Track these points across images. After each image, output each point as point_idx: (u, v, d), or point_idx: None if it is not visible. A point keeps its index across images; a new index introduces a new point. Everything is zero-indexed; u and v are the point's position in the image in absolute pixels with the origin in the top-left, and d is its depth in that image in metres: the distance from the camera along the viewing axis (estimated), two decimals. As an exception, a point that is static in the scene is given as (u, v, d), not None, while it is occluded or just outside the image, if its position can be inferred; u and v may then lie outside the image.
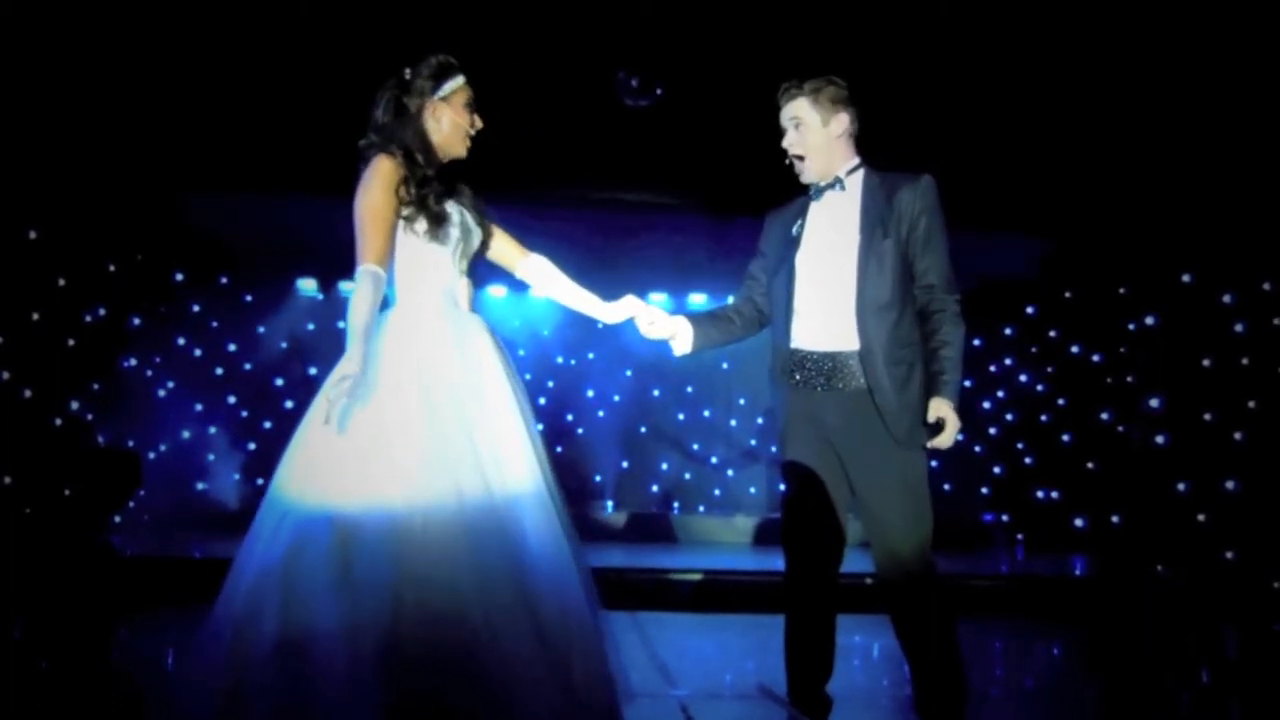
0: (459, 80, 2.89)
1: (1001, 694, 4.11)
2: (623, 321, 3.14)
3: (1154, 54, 6.20)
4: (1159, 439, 7.71)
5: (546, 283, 3.09)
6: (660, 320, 3.14)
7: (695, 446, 9.11)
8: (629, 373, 8.81)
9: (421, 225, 2.75)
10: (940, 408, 2.93)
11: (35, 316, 7.10)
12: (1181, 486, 7.48)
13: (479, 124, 2.92)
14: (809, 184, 3.16)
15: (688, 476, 9.09)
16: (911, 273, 3.04)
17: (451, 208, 2.83)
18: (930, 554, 3.00)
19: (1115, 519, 7.88)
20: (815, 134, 3.09)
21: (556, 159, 7.10)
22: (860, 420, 3.00)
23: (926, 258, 3.03)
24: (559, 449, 8.61)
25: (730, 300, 3.33)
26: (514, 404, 2.71)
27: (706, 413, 9.11)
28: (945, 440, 2.93)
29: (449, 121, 2.86)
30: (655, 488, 9.04)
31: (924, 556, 2.99)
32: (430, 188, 2.78)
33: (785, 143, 3.11)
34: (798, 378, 3.09)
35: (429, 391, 2.62)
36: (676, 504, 8.97)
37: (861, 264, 3.02)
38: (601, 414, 9.00)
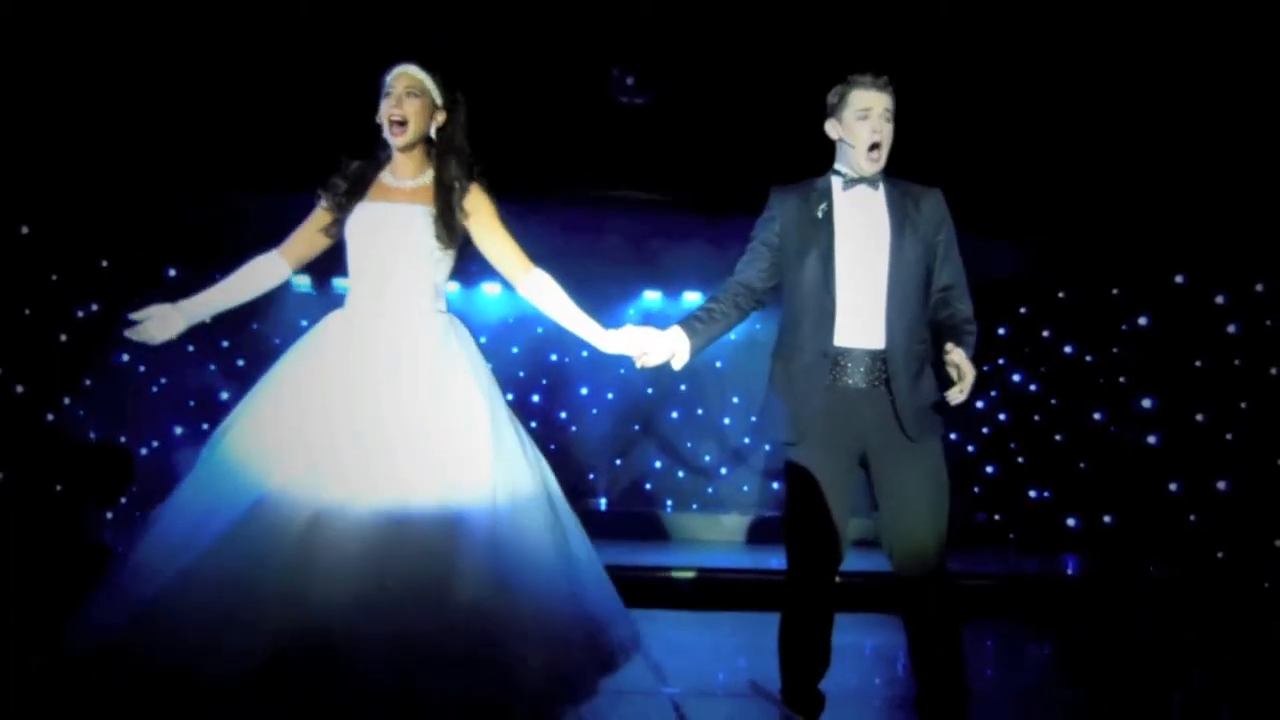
0: (385, 80, 3.01)
1: (994, 694, 4.12)
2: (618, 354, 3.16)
3: (1147, 54, 6.21)
4: (1151, 439, 7.72)
5: (545, 301, 3.09)
6: (655, 348, 3.12)
7: (688, 445, 9.09)
8: (622, 371, 8.79)
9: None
10: (960, 356, 2.87)
11: (27, 312, 7.07)
12: (1174, 486, 7.50)
13: (391, 110, 2.99)
14: (860, 175, 3.13)
15: (681, 475, 9.08)
16: (929, 276, 3.11)
17: (379, 208, 2.99)
18: (946, 552, 3.03)
19: (1107, 519, 7.89)
20: (891, 132, 3.13)
21: (551, 157, 7.09)
22: (891, 417, 3.04)
23: (949, 263, 3.14)
24: (552, 446, 8.58)
25: (728, 284, 3.25)
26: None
27: (700, 411, 9.10)
28: (963, 391, 2.87)
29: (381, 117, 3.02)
30: (648, 485, 9.03)
31: (943, 554, 3.03)
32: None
33: (874, 129, 3.08)
34: (835, 376, 3.07)
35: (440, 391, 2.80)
36: (669, 502, 8.96)
37: (893, 262, 3.06)
38: (595, 412, 8.98)
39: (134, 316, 2.95)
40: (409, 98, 2.96)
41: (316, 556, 2.51)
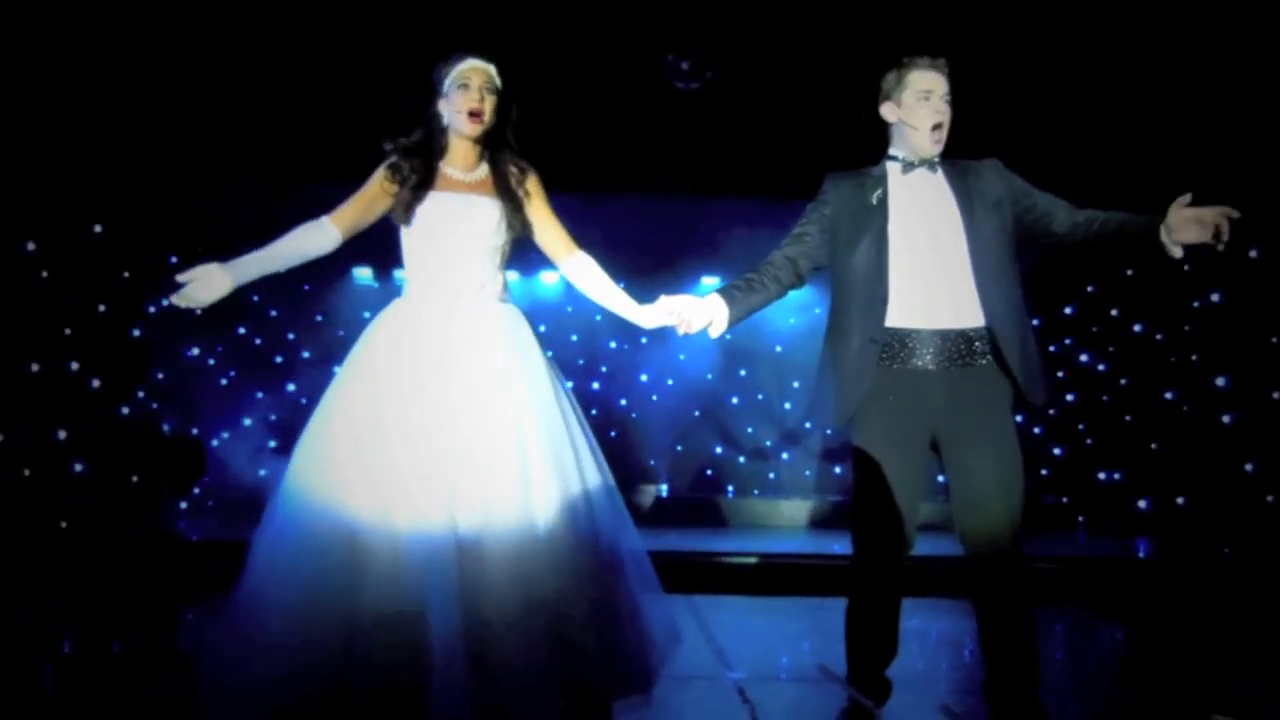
0: (452, 70, 3.05)
1: (1063, 678, 4.06)
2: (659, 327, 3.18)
3: (1216, 19, 6.04)
4: (1225, 418, 7.54)
5: (586, 282, 3.21)
6: (693, 316, 3.09)
7: (749, 430, 9.08)
8: (682, 356, 8.80)
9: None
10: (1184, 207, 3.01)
11: (102, 308, 7.29)
12: (1249, 467, 7.32)
13: (473, 103, 3.03)
14: (920, 158, 3.09)
15: (741, 460, 9.08)
16: (1023, 238, 3.10)
17: (451, 199, 3.03)
18: (1021, 535, 2.99)
19: (1180, 500, 7.73)
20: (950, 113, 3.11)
21: (610, 146, 7.10)
22: (970, 394, 2.99)
23: (1050, 201, 3.13)
24: (613, 433, 8.63)
25: (771, 258, 3.21)
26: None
27: (760, 396, 9.08)
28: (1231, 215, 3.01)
29: (449, 112, 3.06)
30: (709, 471, 9.04)
31: (1019, 537, 2.99)
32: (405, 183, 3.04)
33: (937, 110, 3.06)
34: (903, 359, 3.03)
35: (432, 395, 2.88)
36: (730, 487, 8.96)
37: (971, 238, 3.01)
38: (655, 398, 9.00)
39: (180, 278, 2.99)
40: (488, 93, 3.06)
41: (386, 565, 2.67)
